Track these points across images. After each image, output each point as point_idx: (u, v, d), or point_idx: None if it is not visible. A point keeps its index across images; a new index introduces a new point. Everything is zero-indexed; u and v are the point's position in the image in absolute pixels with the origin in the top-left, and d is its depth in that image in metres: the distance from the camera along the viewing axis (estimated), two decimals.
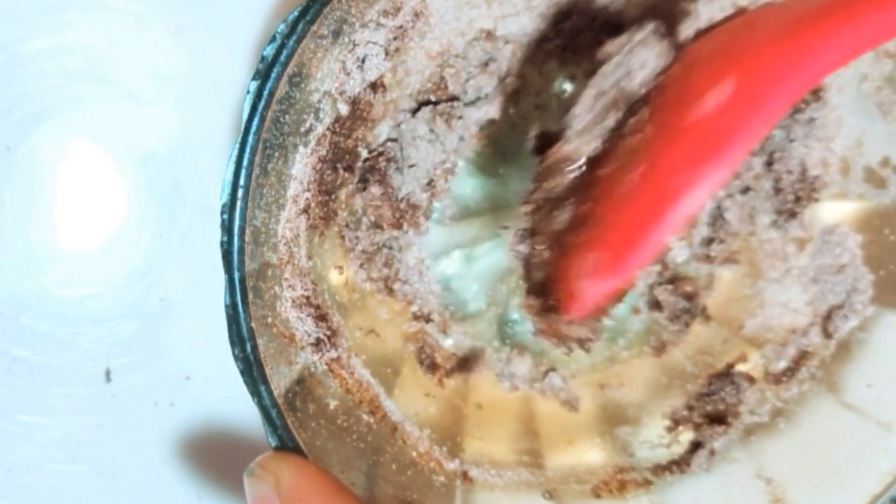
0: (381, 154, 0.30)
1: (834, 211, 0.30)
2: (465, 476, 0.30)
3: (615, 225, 0.23)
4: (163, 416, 0.35)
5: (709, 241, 0.32)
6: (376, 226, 0.31)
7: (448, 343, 0.33)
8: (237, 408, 0.35)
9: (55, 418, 0.35)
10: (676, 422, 0.31)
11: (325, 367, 0.28)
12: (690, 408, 0.31)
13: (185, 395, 0.35)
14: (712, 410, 0.31)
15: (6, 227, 0.34)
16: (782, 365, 0.30)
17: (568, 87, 0.32)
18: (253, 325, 0.23)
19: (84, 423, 0.35)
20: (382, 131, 0.30)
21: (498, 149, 0.32)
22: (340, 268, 0.30)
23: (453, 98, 0.31)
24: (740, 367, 0.31)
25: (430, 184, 0.31)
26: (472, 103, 0.31)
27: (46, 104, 0.34)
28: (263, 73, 0.23)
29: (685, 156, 0.21)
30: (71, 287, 0.35)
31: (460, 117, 0.31)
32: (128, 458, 0.35)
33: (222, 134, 0.34)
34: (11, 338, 0.34)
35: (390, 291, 0.31)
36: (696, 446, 0.30)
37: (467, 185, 0.33)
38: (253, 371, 0.23)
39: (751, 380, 0.30)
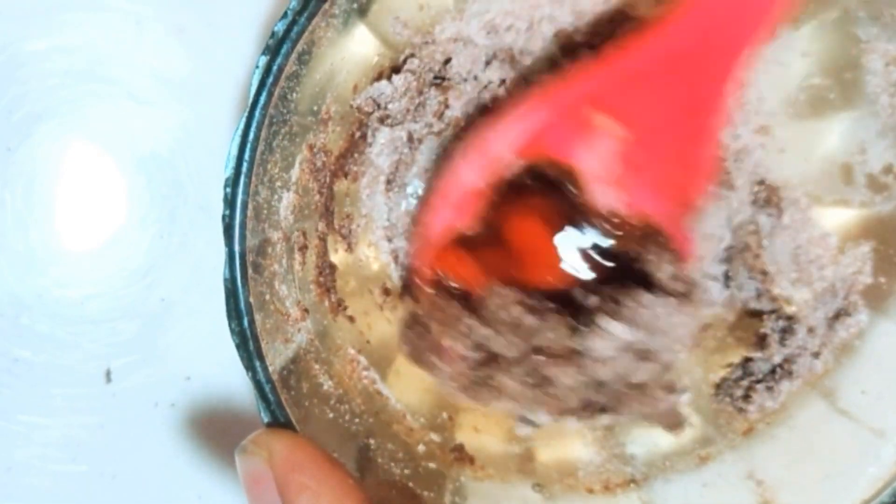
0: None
1: (835, 218, 0.30)
2: (456, 464, 0.29)
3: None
4: (163, 416, 0.35)
5: None
6: None
7: None
8: (237, 408, 0.35)
9: (55, 418, 0.34)
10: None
11: (321, 347, 0.28)
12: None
13: (185, 395, 0.35)
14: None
15: (6, 227, 0.34)
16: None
17: None
18: (251, 300, 0.23)
19: (84, 423, 0.34)
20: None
21: None
22: (336, 251, 0.30)
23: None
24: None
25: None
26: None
27: (46, 104, 0.34)
28: (273, 48, 0.23)
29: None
30: (71, 287, 0.35)
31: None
32: (128, 458, 0.35)
33: (222, 134, 0.34)
34: (11, 338, 0.34)
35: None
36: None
37: None
38: (249, 345, 0.23)
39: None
